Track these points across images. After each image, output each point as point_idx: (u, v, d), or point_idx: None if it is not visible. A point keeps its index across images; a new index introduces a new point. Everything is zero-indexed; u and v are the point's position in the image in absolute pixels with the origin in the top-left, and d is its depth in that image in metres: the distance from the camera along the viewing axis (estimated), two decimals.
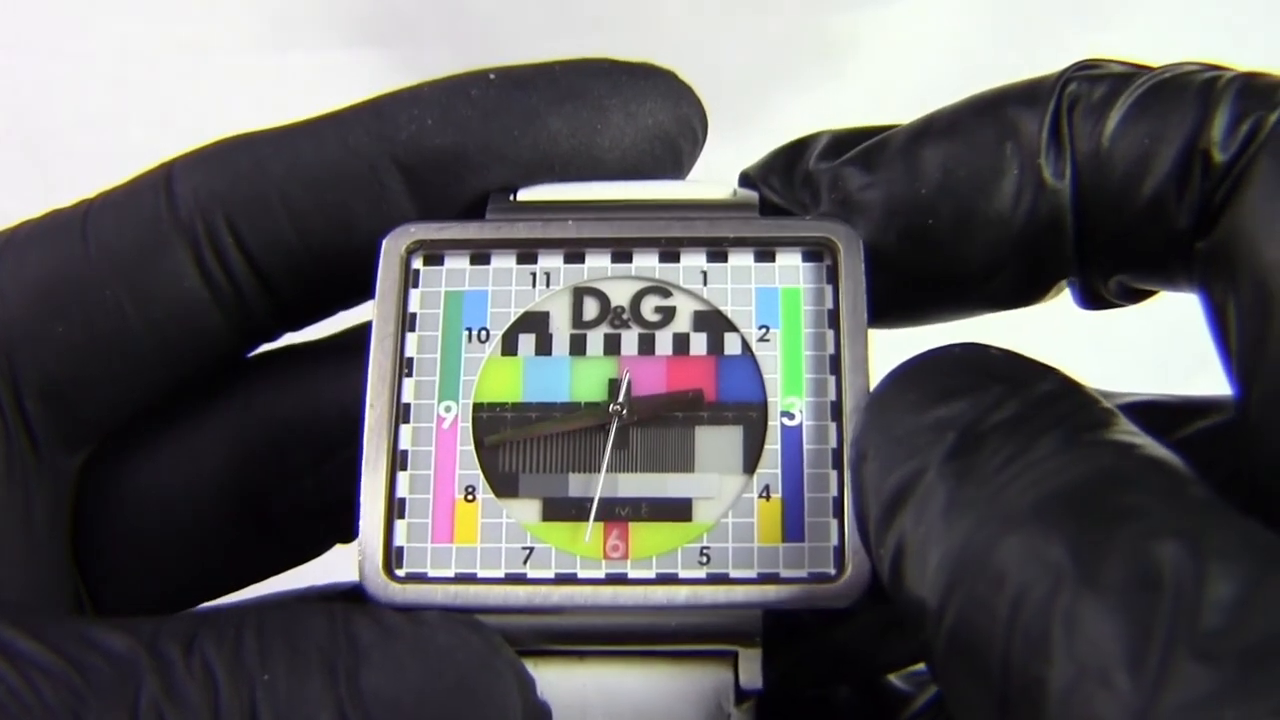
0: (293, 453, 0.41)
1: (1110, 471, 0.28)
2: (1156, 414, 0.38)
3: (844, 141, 0.38)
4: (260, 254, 0.39)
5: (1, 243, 0.39)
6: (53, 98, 0.69)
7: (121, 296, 0.38)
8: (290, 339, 0.43)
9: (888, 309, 0.38)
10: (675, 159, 0.40)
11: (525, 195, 0.39)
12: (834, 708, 0.42)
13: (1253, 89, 0.34)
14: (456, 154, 0.39)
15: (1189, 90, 0.35)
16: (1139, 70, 0.36)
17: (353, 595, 0.36)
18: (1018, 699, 0.26)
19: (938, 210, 0.36)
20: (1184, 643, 0.24)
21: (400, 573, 0.36)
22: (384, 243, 0.38)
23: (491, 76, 0.39)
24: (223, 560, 0.42)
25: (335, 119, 0.39)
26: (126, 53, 0.70)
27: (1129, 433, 0.29)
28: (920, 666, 0.41)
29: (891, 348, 0.39)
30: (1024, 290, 0.38)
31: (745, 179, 0.40)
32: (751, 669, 0.35)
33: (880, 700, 0.42)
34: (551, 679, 0.35)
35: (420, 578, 0.35)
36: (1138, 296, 0.38)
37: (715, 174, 0.40)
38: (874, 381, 0.35)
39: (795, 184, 0.38)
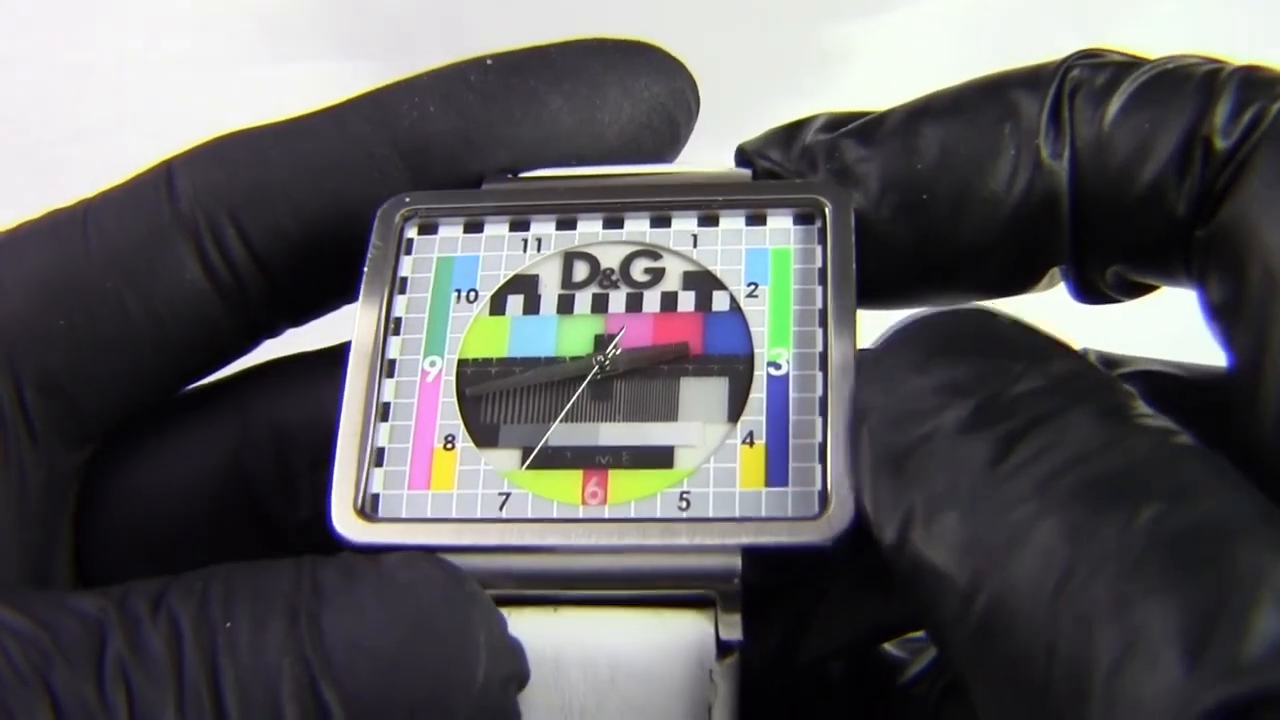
0: (292, 457, 0.41)
1: (1153, 459, 0.27)
2: (1158, 384, 0.38)
3: (841, 122, 0.38)
4: (262, 246, 0.39)
5: (2, 241, 0.39)
6: (50, 109, 0.70)
7: (124, 293, 0.38)
8: (293, 335, 0.42)
9: (877, 288, 0.37)
10: (673, 132, 0.40)
11: (524, 174, 0.39)
12: (827, 679, 0.41)
13: (1254, 81, 0.34)
14: (460, 137, 0.39)
15: (1191, 80, 0.35)
16: (1140, 60, 0.36)
17: None
18: (1061, 681, 0.25)
19: (934, 187, 0.36)
20: (1244, 636, 0.24)
21: (374, 517, 0.35)
22: (379, 211, 0.38)
23: (488, 62, 0.40)
24: (223, 561, 0.41)
25: (334, 112, 0.40)
26: (124, 64, 0.72)
27: (1155, 416, 0.29)
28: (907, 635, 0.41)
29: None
30: (1016, 275, 0.37)
31: (741, 155, 0.40)
32: (731, 618, 0.33)
33: (874, 669, 0.41)
34: (525, 630, 0.34)
35: (394, 520, 0.35)
36: (1135, 291, 0.38)
37: None
38: (860, 335, 0.35)
39: (793, 157, 0.39)
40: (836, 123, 0.39)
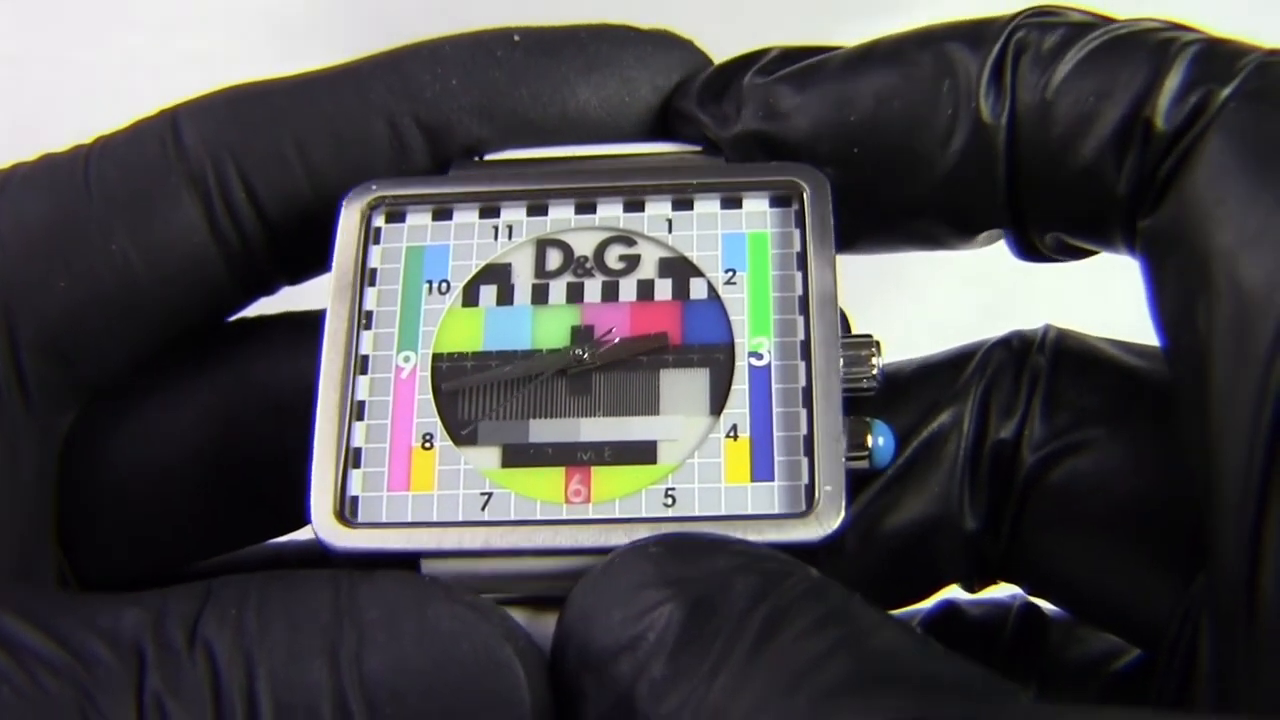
0: (287, 426, 0.39)
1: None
2: (1095, 379, 0.37)
3: (795, 56, 0.37)
4: (272, 206, 0.38)
5: None
6: (58, 110, 0.70)
7: (127, 248, 0.37)
8: (287, 300, 0.41)
9: None
10: (697, 132, 0.39)
11: (491, 155, 0.38)
12: None
13: (1210, 56, 0.33)
14: (482, 116, 0.38)
15: (1142, 50, 0.33)
16: (1097, 21, 0.35)
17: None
18: None
19: (865, 141, 0.35)
20: None
21: (355, 521, 0.34)
22: (344, 201, 0.37)
23: (516, 38, 0.38)
24: (208, 529, 0.41)
25: (351, 72, 0.38)
26: (132, 65, 0.72)
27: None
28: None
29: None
30: (951, 233, 0.37)
31: (672, 107, 0.39)
32: None
33: None
34: None
35: (375, 525, 0.34)
36: (1077, 253, 0.37)
37: None
38: (840, 319, 0.35)
39: (722, 104, 0.37)
40: (791, 55, 0.37)
